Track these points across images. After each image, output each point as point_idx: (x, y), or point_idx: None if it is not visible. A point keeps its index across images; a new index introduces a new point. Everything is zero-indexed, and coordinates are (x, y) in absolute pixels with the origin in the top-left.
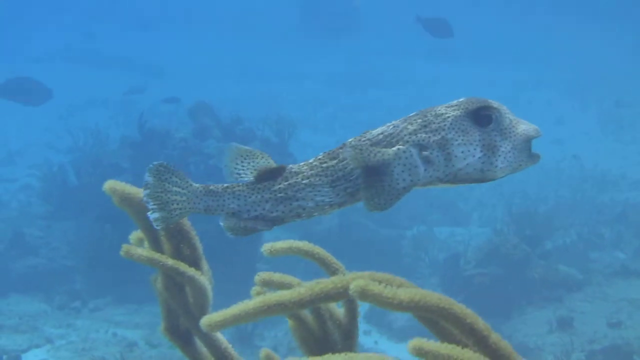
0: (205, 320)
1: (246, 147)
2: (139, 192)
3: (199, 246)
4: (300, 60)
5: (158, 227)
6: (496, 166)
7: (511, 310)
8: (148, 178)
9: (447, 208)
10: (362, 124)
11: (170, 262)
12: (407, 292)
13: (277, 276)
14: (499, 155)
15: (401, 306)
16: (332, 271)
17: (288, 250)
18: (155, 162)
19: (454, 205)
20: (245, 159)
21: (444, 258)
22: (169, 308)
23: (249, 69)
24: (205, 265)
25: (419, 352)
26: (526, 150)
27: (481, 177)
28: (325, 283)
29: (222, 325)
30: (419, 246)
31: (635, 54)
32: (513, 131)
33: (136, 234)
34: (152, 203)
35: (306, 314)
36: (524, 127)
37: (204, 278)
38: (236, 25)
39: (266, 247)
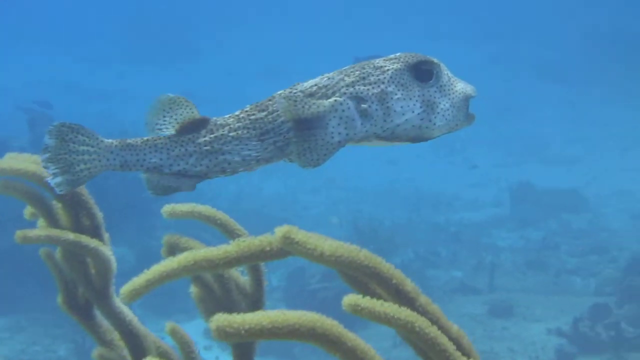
0: (126, 288)
1: (172, 95)
2: (26, 167)
3: (99, 214)
4: (131, 80)
5: (61, 192)
6: (434, 124)
7: (355, 325)
8: (48, 141)
9: (289, 223)
10: None
11: (71, 236)
12: (332, 244)
13: (184, 240)
14: (438, 113)
15: (322, 258)
16: (236, 238)
17: (189, 214)
18: (55, 123)
19: (290, 222)
20: (168, 111)
21: (288, 272)
22: (67, 280)
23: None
24: (105, 234)
25: (354, 308)
26: (464, 110)
27: (418, 135)
28: (252, 240)
29: (146, 287)
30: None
31: (466, 75)
32: (452, 88)
33: (29, 209)
34: (53, 167)
35: (212, 282)
36: (461, 85)
37: (107, 249)
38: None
39: (166, 209)
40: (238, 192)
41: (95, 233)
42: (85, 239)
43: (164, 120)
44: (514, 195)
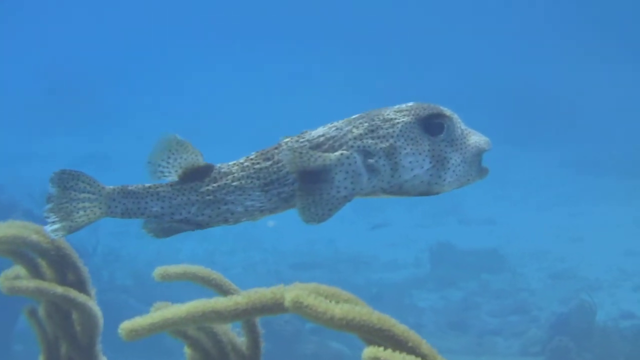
0: (128, 325)
1: (180, 138)
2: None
3: (84, 269)
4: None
5: (58, 236)
6: (444, 180)
7: None
8: (51, 189)
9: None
10: None
11: (59, 289)
12: (342, 308)
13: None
14: (448, 169)
15: (333, 322)
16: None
17: (182, 275)
18: (56, 170)
19: None
20: (174, 152)
21: None
22: (49, 339)
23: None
24: (92, 289)
25: None
26: (476, 165)
27: (427, 190)
28: (264, 292)
29: (148, 330)
30: None
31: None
32: (464, 142)
33: (6, 273)
34: (53, 217)
35: (207, 343)
36: (475, 138)
37: (93, 304)
38: None
39: (158, 272)
40: (157, 253)
41: (82, 288)
42: (73, 293)
43: (168, 163)
44: (433, 256)
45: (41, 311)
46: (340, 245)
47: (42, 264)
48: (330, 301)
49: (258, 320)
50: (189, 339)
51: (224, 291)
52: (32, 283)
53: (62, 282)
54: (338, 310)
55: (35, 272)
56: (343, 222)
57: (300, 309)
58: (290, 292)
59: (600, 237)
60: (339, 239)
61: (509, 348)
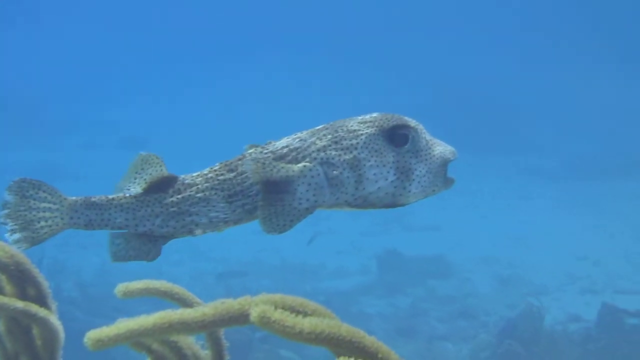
0: (94, 335)
1: (144, 154)
2: None
3: (45, 283)
4: None
5: (21, 249)
6: (409, 191)
7: None
8: (8, 197)
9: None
10: None
11: (20, 305)
12: (310, 321)
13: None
14: (413, 180)
15: (302, 336)
16: None
17: (144, 291)
18: (16, 178)
19: None
20: (139, 173)
21: None
22: (9, 354)
23: None
24: (53, 303)
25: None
26: (442, 175)
27: (392, 202)
28: (231, 303)
29: (114, 340)
30: None
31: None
32: (429, 153)
33: None
34: (12, 223)
35: (170, 356)
36: (440, 149)
37: (55, 318)
38: None
39: (120, 289)
40: (102, 265)
41: (43, 303)
42: (34, 308)
43: (133, 183)
44: (380, 263)
45: (0, 326)
46: (286, 253)
47: (2, 278)
48: (296, 314)
49: (222, 332)
50: (153, 352)
51: (187, 305)
52: None
53: (23, 296)
54: (306, 324)
55: None
56: (289, 230)
57: (267, 325)
58: (257, 307)
59: (547, 243)
60: (285, 248)
61: (458, 352)
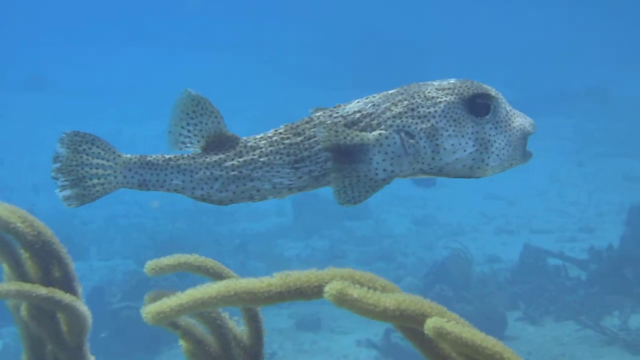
0: (154, 308)
1: (194, 94)
2: None
3: (71, 265)
4: None
5: (71, 206)
6: (487, 164)
7: (160, 345)
8: (59, 149)
9: (70, 240)
10: None
11: (43, 291)
12: (393, 298)
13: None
14: (492, 152)
15: (385, 315)
16: None
17: (177, 266)
18: (68, 131)
19: (70, 240)
20: (193, 117)
21: (86, 293)
22: (33, 338)
23: None
24: (79, 287)
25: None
26: (521, 148)
27: (468, 174)
28: (298, 276)
29: (177, 312)
30: None
31: (241, 85)
32: (509, 125)
33: None
34: (62, 178)
35: (204, 335)
36: (520, 120)
37: (81, 303)
38: None
39: (150, 265)
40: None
41: (68, 286)
42: (59, 294)
43: (188, 131)
44: (296, 204)
45: (23, 311)
46: None
47: (25, 257)
48: (367, 289)
49: (260, 309)
50: (184, 330)
51: (222, 278)
52: (12, 286)
53: (47, 278)
54: (390, 302)
55: (17, 267)
56: None
57: (345, 302)
58: (333, 284)
59: (461, 182)
60: None
61: None
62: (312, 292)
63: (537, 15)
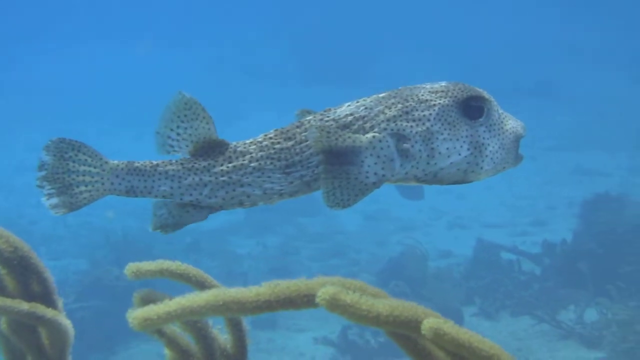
0: (141, 314)
1: (187, 97)
2: None
3: (50, 279)
4: None
5: (58, 214)
6: (481, 167)
7: (116, 345)
8: (45, 157)
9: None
10: None
11: (25, 307)
12: (387, 304)
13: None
14: (486, 156)
15: (378, 320)
16: None
17: (158, 273)
18: (54, 138)
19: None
20: (184, 121)
21: None
22: (14, 351)
23: None
24: (59, 300)
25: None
26: (514, 151)
27: (462, 179)
28: (287, 285)
29: (164, 319)
30: None
31: (181, 81)
32: (502, 128)
33: None
34: (48, 186)
35: (189, 343)
36: (512, 123)
37: (63, 317)
38: None
39: (130, 268)
40: None
41: (48, 299)
42: (40, 309)
43: (177, 134)
44: None
45: (3, 325)
46: None
47: (3, 272)
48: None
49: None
50: (169, 339)
51: (205, 287)
52: None
53: (27, 292)
54: (383, 307)
55: None
56: None
57: (338, 308)
58: (325, 290)
59: None
60: None
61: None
62: (302, 301)
63: (484, 11)
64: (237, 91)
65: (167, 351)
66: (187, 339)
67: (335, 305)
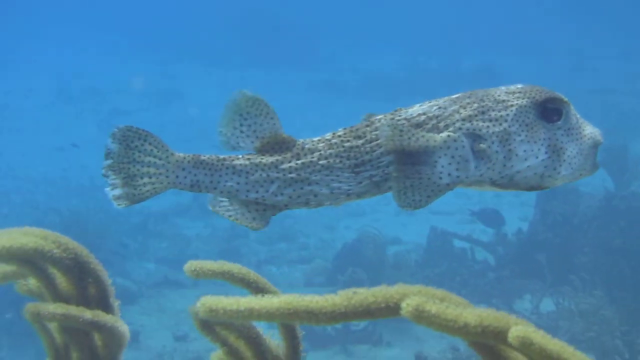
0: (210, 302)
1: (250, 95)
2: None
3: (108, 281)
4: None
5: (120, 206)
6: (559, 172)
7: None
8: (112, 145)
9: None
10: None
11: (89, 315)
12: (475, 313)
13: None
14: (564, 160)
15: (466, 331)
16: None
17: (218, 274)
18: (120, 126)
19: None
20: (247, 118)
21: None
22: (58, 347)
23: None
24: (115, 302)
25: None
26: (592, 158)
27: (538, 184)
28: (365, 294)
29: (230, 315)
30: None
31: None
32: (581, 132)
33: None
34: (113, 176)
35: (241, 347)
36: (590, 129)
37: (121, 323)
38: None
39: (191, 266)
40: None
41: (104, 303)
42: (102, 317)
43: (241, 132)
44: None
45: (53, 325)
46: (94, 172)
47: (59, 276)
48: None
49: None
50: (223, 342)
51: (260, 292)
52: (58, 309)
53: (82, 296)
54: (471, 317)
55: (50, 285)
56: (95, 146)
57: (423, 318)
58: (410, 300)
59: None
60: (92, 166)
61: (289, 275)
62: (380, 312)
63: None
64: (176, 73)
65: (222, 354)
66: (237, 341)
67: (420, 316)
